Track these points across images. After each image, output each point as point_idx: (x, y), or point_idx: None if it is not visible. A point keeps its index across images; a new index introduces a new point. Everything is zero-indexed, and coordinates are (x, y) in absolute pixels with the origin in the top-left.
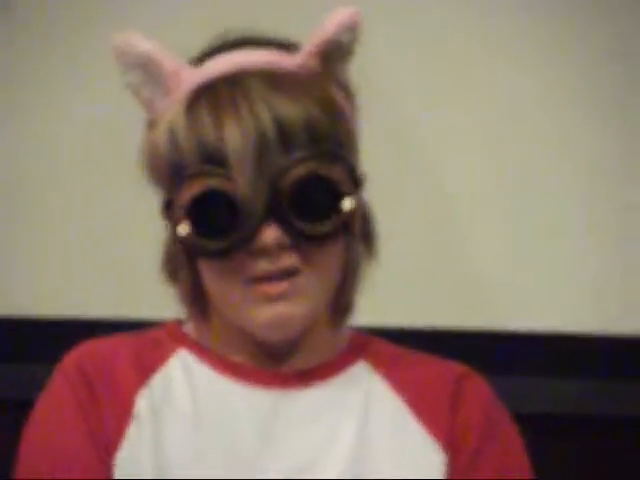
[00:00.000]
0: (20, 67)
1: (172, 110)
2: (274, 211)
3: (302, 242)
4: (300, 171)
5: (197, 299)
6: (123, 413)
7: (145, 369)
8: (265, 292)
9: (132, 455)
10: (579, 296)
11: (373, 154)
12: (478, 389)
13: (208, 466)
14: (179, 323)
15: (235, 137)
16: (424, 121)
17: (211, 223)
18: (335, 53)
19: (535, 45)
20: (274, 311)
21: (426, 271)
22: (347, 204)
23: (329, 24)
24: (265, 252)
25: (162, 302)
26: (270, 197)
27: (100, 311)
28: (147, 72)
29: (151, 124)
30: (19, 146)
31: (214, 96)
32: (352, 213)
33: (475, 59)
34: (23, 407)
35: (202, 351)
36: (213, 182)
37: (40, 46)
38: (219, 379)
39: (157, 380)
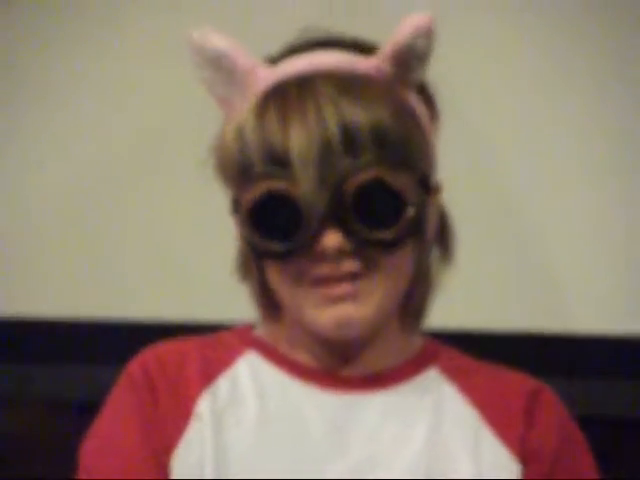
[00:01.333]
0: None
1: (243, 109)
2: (336, 215)
3: (364, 248)
4: (364, 177)
5: (266, 299)
6: (184, 414)
7: (211, 371)
8: (328, 294)
9: (190, 454)
10: None
11: (446, 154)
12: (553, 406)
13: (273, 468)
14: (250, 327)
15: (300, 140)
16: (497, 121)
17: (273, 225)
18: (410, 57)
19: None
20: (337, 312)
21: (500, 274)
22: (410, 213)
23: (404, 28)
24: (326, 256)
25: (236, 304)
26: (333, 201)
27: (169, 314)
28: (222, 69)
29: (226, 121)
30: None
31: (283, 98)
32: (415, 221)
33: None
34: (92, 409)
35: (271, 353)
36: (276, 184)
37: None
38: (288, 381)
39: (222, 381)
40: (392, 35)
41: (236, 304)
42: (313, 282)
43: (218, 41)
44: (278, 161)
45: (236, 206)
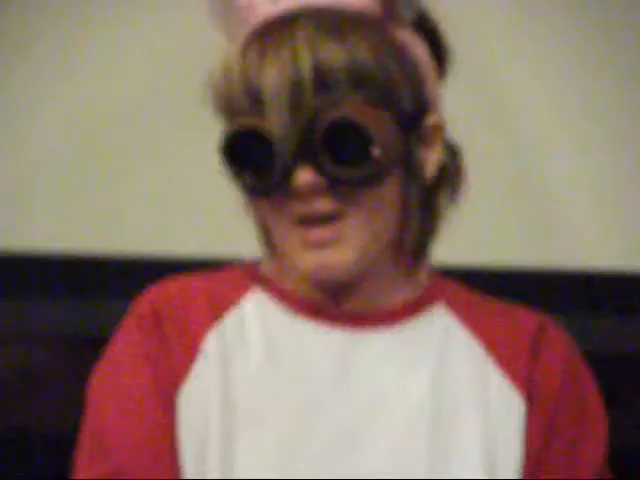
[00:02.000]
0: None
1: (233, 47)
2: (307, 153)
3: (339, 186)
4: (333, 114)
5: (265, 236)
6: (191, 349)
7: (218, 307)
8: (308, 237)
9: (198, 390)
10: None
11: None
12: (558, 340)
13: (280, 402)
14: (256, 263)
15: (273, 77)
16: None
17: (247, 162)
18: None
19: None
20: (318, 258)
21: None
22: (376, 152)
23: None
24: (301, 195)
25: (243, 240)
26: (303, 138)
27: (179, 248)
28: (226, 5)
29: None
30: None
31: (264, 36)
32: (389, 158)
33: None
34: (102, 344)
35: (276, 290)
36: (248, 120)
37: None
38: (293, 317)
39: (230, 318)
40: None
41: (241, 239)
42: (293, 221)
43: None
44: (255, 98)
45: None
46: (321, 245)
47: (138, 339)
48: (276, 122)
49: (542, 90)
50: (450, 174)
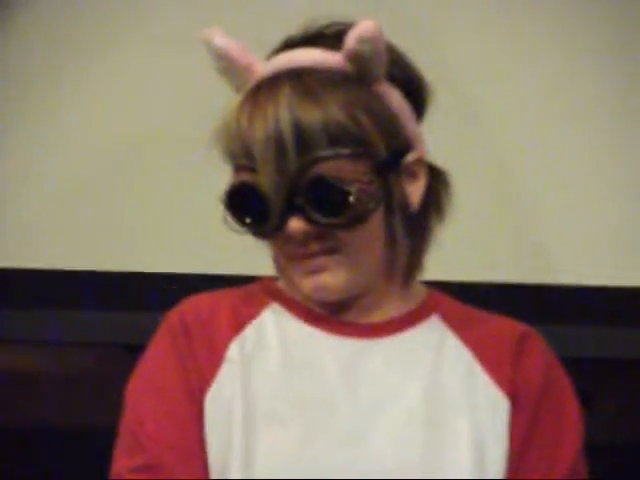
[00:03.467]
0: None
1: (233, 103)
2: (294, 206)
3: (325, 230)
4: (310, 174)
5: (277, 261)
6: (217, 358)
7: (240, 320)
8: (304, 268)
9: (222, 392)
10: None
11: (439, 126)
12: (539, 347)
13: (295, 402)
14: (273, 279)
15: (260, 138)
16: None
17: (248, 211)
18: (360, 60)
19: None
20: (314, 281)
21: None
22: (351, 201)
23: (350, 36)
24: (295, 239)
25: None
26: (290, 194)
27: (203, 268)
28: (226, 64)
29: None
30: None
31: (254, 97)
32: (366, 203)
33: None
34: (137, 351)
35: (292, 304)
36: (246, 177)
37: None
38: (306, 328)
39: (250, 330)
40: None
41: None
42: (291, 258)
43: (218, 40)
44: (248, 154)
45: None
46: (317, 272)
47: (169, 346)
48: (266, 179)
49: (528, 107)
50: (436, 197)
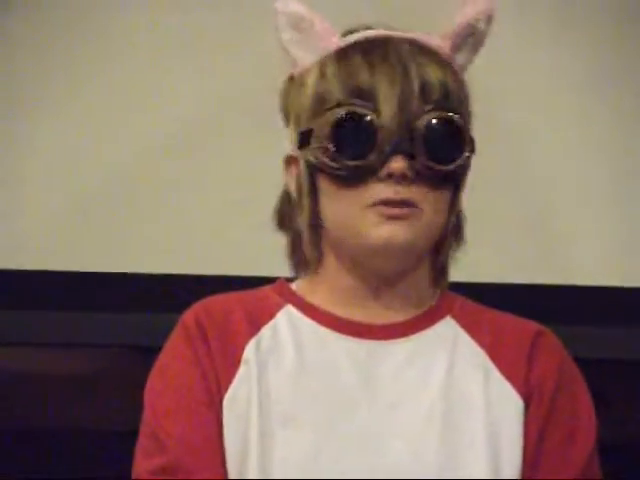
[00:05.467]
0: None
1: (323, 57)
2: (405, 146)
3: (423, 179)
4: (433, 117)
5: (300, 251)
6: (234, 360)
7: (255, 322)
8: (384, 213)
9: (240, 393)
10: None
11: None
12: (552, 345)
13: (311, 403)
14: (287, 281)
15: (387, 83)
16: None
17: (350, 144)
18: (468, 39)
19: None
20: (389, 228)
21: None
22: (466, 153)
23: (469, 9)
24: (390, 179)
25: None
26: (405, 133)
27: (219, 269)
28: (299, 31)
29: (291, 79)
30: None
31: (367, 49)
32: (467, 166)
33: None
34: (152, 352)
35: (306, 306)
36: (360, 110)
37: None
38: (321, 330)
39: (265, 331)
40: (456, 16)
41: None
42: (373, 203)
43: (298, 6)
44: (359, 95)
45: (305, 137)
46: (395, 219)
47: (186, 347)
48: (386, 116)
49: (545, 114)
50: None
